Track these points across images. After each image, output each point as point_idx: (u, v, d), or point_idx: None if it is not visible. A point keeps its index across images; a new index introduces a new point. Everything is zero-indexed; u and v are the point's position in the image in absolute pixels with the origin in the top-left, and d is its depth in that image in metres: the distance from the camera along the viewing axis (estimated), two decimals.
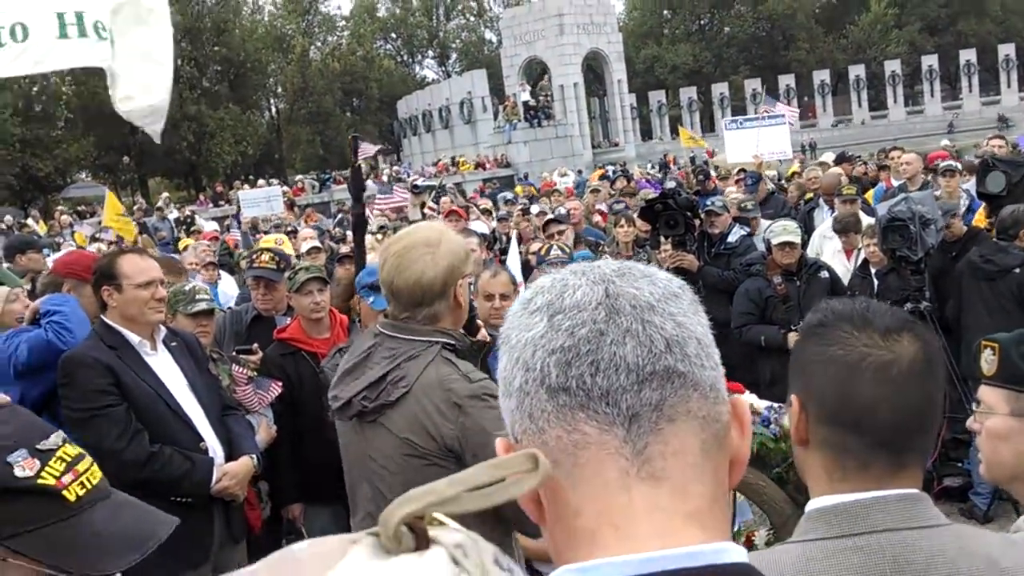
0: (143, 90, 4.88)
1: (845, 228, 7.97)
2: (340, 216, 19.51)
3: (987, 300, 6.08)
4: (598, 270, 0.94)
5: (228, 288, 8.62)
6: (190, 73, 52.48)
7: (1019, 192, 6.77)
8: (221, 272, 9.00)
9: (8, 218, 32.58)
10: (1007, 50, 55.16)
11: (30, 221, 28.64)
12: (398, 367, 2.61)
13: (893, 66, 56.76)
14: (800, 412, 1.56)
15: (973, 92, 55.61)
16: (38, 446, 1.60)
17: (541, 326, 0.91)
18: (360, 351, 2.74)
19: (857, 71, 57.49)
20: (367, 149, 8.96)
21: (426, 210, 12.85)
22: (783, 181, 13.85)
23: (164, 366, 4.02)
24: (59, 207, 37.15)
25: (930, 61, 56.41)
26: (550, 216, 9.22)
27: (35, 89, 50.71)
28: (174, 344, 4.12)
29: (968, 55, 55.75)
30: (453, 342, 2.66)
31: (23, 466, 1.55)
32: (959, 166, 9.33)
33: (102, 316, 4.02)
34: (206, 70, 52.93)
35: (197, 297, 4.88)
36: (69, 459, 1.62)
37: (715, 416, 0.91)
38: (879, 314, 1.55)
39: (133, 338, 3.93)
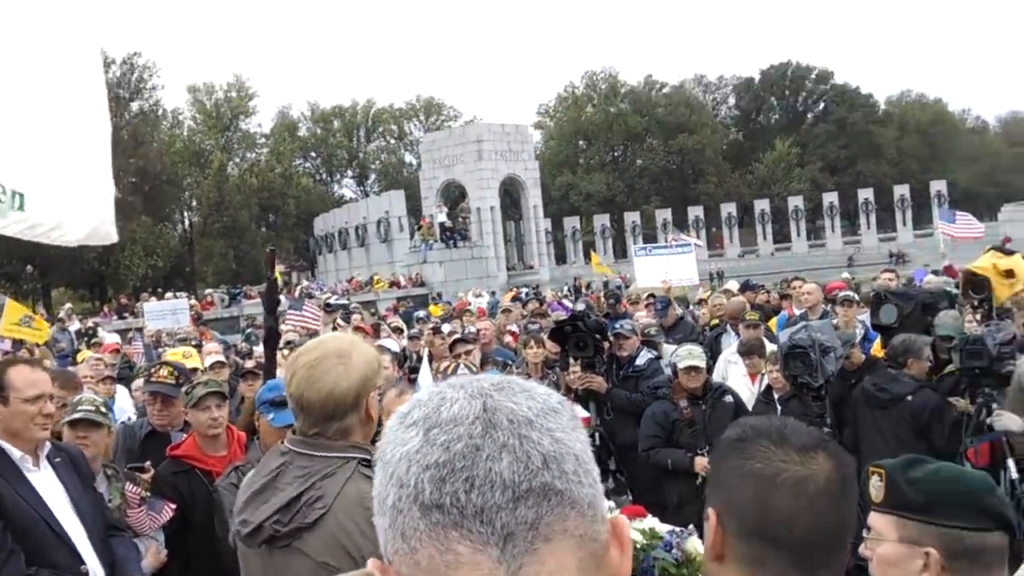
0: (84, 214, 4.61)
1: (750, 351, 8.15)
2: (249, 331, 19.19)
3: (882, 428, 6.23)
4: (477, 384, 0.93)
5: (124, 403, 8.31)
6: None
7: (910, 323, 7.03)
8: (118, 386, 8.68)
9: None
10: (902, 190, 58.26)
11: None
12: (313, 486, 2.47)
13: (796, 201, 59.42)
14: (717, 526, 1.54)
15: (871, 228, 58.32)
16: None
17: (416, 440, 0.88)
18: (267, 471, 2.58)
19: (762, 205, 60.03)
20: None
21: (337, 328, 12.73)
22: (691, 306, 14.16)
23: (46, 483, 3.82)
24: None
25: (831, 198, 59.24)
26: (458, 335, 9.22)
27: None
28: (58, 460, 3.93)
29: (866, 194, 58.71)
30: (368, 457, 2.51)
31: None
32: (856, 297, 9.67)
33: None
34: (121, 181, 52.31)
35: (78, 407, 4.68)
36: None
37: (593, 535, 0.89)
38: (796, 432, 1.56)
39: (15, 453, 3.74)
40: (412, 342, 11.00)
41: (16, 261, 51.16)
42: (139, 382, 7.51)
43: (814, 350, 6.15)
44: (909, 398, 6.20)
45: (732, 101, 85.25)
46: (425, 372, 7.45)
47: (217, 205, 62.39)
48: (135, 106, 55.85)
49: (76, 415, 4.64)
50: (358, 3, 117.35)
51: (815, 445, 1.53)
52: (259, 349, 11.20)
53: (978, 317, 6.94)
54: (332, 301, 12.01)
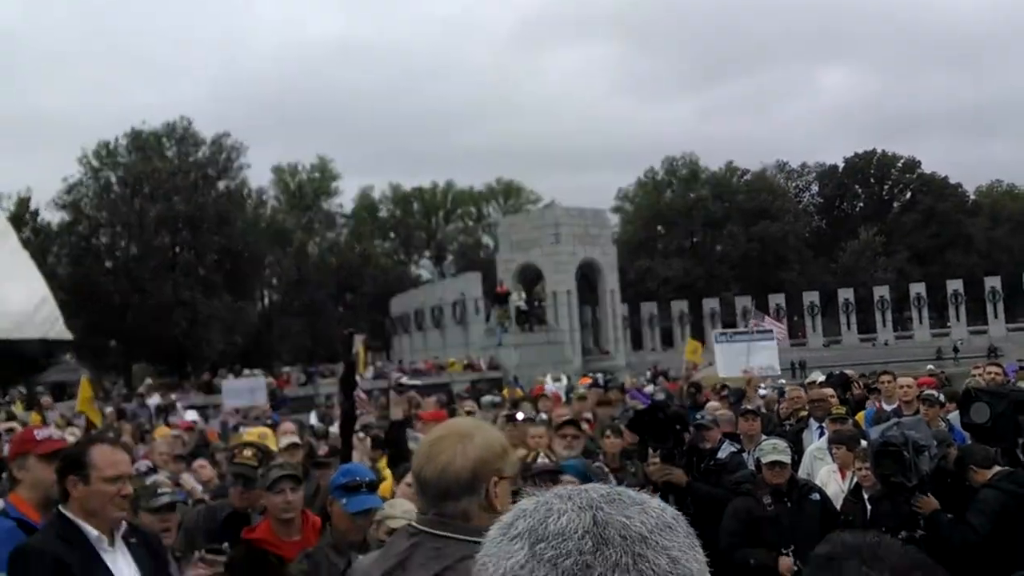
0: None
1: (844, 441, 7.79)
2: (323, 411, 19.27)
3: None
4: (585, 495, 0.87)
5: (187, 482, 8.27)
6: (188, 260, 53.54)
7: (1003, 423, 6.70)
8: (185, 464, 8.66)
9: None
10: (993, 282, 56.72)
11: (15, 406, 28.22)
12: (449, 569, 2.32)
13: (882, 291, 58.23)
14: None
15: (961, 320, 56.74)
16: None
17: (521, 555, 0.83)
18: (395, 552, 2.46)
19: (846, 294, 58.92)
20: (358, 342, 8.98)
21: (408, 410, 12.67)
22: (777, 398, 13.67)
23: (122, 565, 3.78)
24: (38, 388, 36.77)
25: (918, 288, 57.94)
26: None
27: None
28: (133, 541, 3.89)
29: (955, 285, 57.27)
30: None
31: None
32: (940, 397, 9.26)
33: (60, 507, 3.81)
34: (204, 259, 53.96)
35: (159, 491, 4.70)
36: None
37: None
38: (891, 551, 1.46)
39: (92, 533, 3.71)
40: None
41: (100, 335, 52.74)
42: (200, 461, 7.53)
43: (907, 448, 5.88)
44: None
45: (815, 188, 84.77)
46: None
47: (296, 284, 63.79)
48: (221, 185, 57.70)
49: (162, 500, 4.66)
50: (440, 87, 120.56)
51: (911, 566, 1.44)
52: (334, 430, 11.21)
53: None
54: (404, 381, 11.94)
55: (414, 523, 2.53)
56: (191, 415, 14.80)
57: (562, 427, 7.95)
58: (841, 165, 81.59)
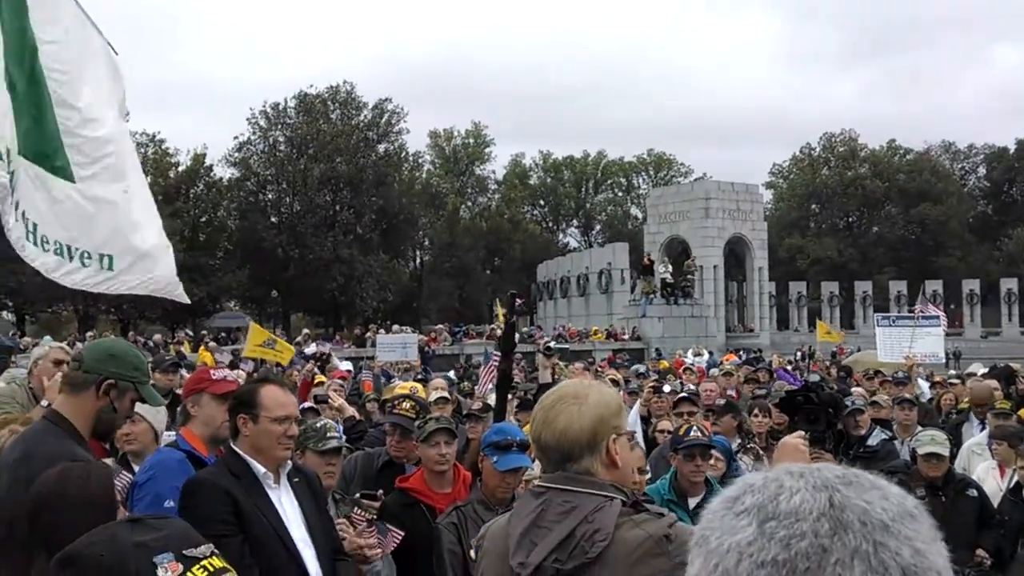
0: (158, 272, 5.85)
1: (1006, 437, 7.45)
2: (469, 370, 19.60)
3: None
4: (820, 474, 0.84)
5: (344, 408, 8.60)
6: (347, 219, 55.22)
7: None
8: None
9: (157, 337, 34.27)
10: None
11: (183, 346, 30.02)
12: (586, 520, 2.39)
13: None
14: None
15: None
16: (185, 552, 1.72)
17: (750, 531, 0.80)
18: (527, 511, 2.52)
19: (1009, 284, 55.73)
20: (520, 306, 9.09)
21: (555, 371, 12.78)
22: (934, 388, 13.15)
23: (285, 502, 3.97)
24: (203, 331, 38.81)
25: None
26: (682, 395, 9.01)
27: (203, 219, 54.10)
28: (296, 480, 4.08)
29: None
30: (625, 499, 2.43)
31: (167, 568, 1.67)
32: None
33: (231, 442, 4.03)
34: (362, 218, 55.55)
35: (328, 435, 4.89)
36: (212, 569, 1.72)
37: None
38: None
39: (259, 469, 3.89)
40: (631, 397, 10.87)
41: (262, 286, 55.13)
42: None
43: None
44: None
45: (982, 171, 79.88)
46: (634, 427, 7.32)
47: (448, 246, 65.02)
48: (381, 148, 59.18)
49: (330, 444, 4.87)
50: (596, 59, 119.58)
51: None
52: (480, 389, 11.43)
53: None
54: (552, 345, 12.01)
55: (538, 482, 2.60)
56: (346, 365, 15.31)
57: (679, 403, 7.91)
58: (1012, 148, 76.55)
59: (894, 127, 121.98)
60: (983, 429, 8.62)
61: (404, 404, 5.85)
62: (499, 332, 18.01)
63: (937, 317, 15.29)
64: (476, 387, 12.24)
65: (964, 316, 56.05)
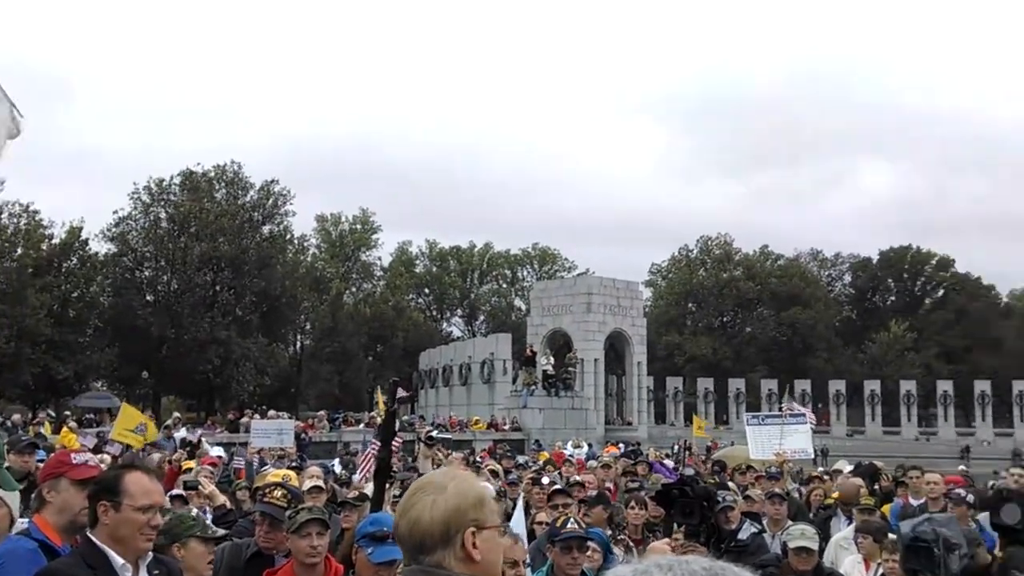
0: None
1: (871, 532, 7.67)
2: (347, 458, 19.19)
3: None
4: (687, 566, 0.85)
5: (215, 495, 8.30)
6: (227, 300, 54.10)
7: None
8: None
9: (16, 416, 32.44)
10: (1021, 386, 55.98)
11: (43, 427, 28.45)
12: None
13: (908, 386, 57.63)
14: None
15: (987, 421, 55.92)
16: None
17: None
18: None
19: (873, 386, 58.34)
20: (403, 395, 8.92)
21: (435, 462, 12.61)
22: (800, 487, 13.53)
23: None
24: (66, 411, 37.04)
25: (945, 386, 57.25)
26: (558, 486, 8.99)
27: (75, 295, 52.08)
28: (156, 573, 3.89)
29: (983, 385, 56.54)
30: None
31: None
32: (970, 498, 9.10)
33: (88, 532, 3.81)
34: (242, 299, 54.53)
35: (193, 524, 4.72)
36: None
37: None
38: None
39: (117, 560, 3.68)
40: (511, 487, 10.80)
41: (133, 365, 53.17)
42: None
43: (938, 546, 5.77)
44: None
45: (848, 279, 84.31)
46: (519, 520, 7.25)
47: (330, 331, 64.19)
48: (266, 230, 58.54)
49: (220, 531, 4.75)
50: (486, 153, 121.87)
51: None
52: (357, 478, 11.18)
53: None
54: (434, 435, 11.88)
55: (405, 572, 2.51)
56: (217, 451, 14.79)
57: (553, 496, 7.92)
58: (876, 257, 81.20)
59: (767, 234, 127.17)
60: (850, 523, 8.85)
61: (276, 492, 5.67)
62: (379, 420, 17.77)
63: (803, 415, 15.83)
64: (353, 476, 11.97)
65: (831, 415, 58.18)
